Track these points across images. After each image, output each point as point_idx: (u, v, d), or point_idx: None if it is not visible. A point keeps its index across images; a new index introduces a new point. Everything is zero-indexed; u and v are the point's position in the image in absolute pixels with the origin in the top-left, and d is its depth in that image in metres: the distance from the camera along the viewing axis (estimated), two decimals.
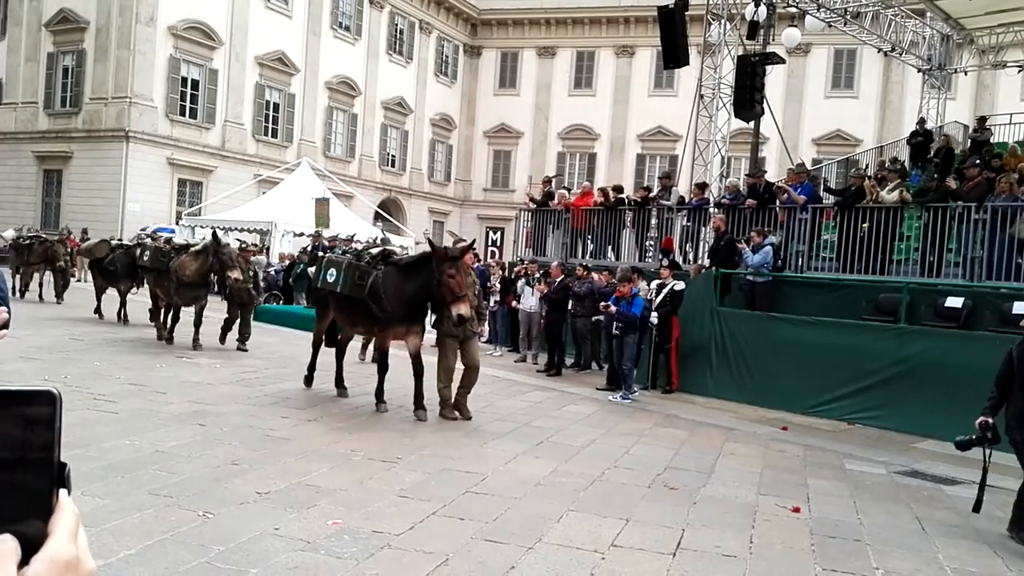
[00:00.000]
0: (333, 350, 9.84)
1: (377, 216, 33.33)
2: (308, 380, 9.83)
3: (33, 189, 32.05)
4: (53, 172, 31.73)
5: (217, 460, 6.19)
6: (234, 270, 11.85)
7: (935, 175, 13.98)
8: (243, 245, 13.52)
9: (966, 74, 22.80)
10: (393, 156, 42.37)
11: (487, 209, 45.30)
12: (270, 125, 35.02)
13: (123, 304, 15.18)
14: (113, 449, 6.23)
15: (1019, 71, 21.20)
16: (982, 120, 19.75)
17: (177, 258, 12.49)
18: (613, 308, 11.15)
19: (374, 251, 9.38)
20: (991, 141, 17.91)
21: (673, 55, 16.27)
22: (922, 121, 19.24)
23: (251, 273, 13.38)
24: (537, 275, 14.57)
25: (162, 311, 13.54)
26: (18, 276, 18.95)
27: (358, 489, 5.75)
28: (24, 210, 31.34)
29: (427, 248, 8.77)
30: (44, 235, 19.17)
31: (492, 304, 15.66)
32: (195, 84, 31.63)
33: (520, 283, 14.92)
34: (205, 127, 32.08)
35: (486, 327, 8.70)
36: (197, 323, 12.44)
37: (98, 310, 15.64)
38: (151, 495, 5.20)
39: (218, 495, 5.34)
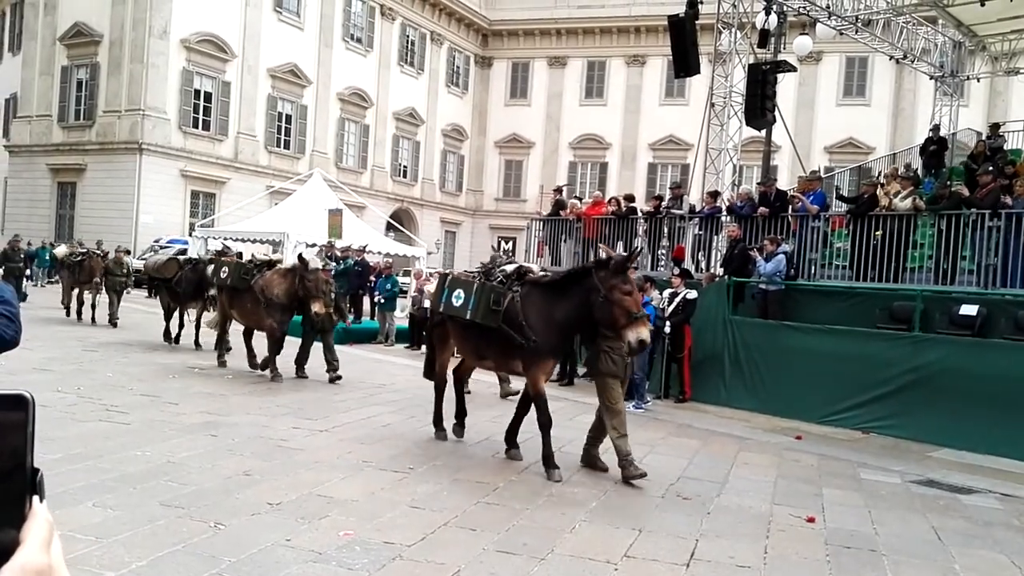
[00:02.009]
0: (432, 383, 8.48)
1: (389, 227, 33.42)
2: (440, 424, 8.24)
3: (47, 201, 32.37)
4: (67, 184, 32.05)
5: (229, 471, 6.19)
6: (317, 301, 10.58)
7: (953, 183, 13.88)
8: (325, 265, 12.24)
9: (979, 81, 22.69)
10: (405, 167, 42.56)
11: (499, 219, 45.40)
12: (282, 137, 35.26)
13: (197, 328, 13.82)
14: (125, 460, 6.24)
15: None
16: (995, 127, 19.64)
17: (261, 275, 11.26)
18: None
19: (508, 268, 7.80)
20: (1004, 148, 17.79)
21: (684, 64, 16.24)
22: (936, 128, 19.13)
23: (332, 295, 11.88)
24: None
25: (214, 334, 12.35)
26: (74, 295, 17.71)
27: (369, 500, 5.74)
28: (38, 222, 31.67)
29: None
30: (95, 251, 17.74)
31: None
32: (208, 96, 31.92)
33: None
34: (218, 139, 32.33)
35: None
36: (276, 350, 11.11)
37: (168, 334, 14.25)
38: (162, 506, 5.20)
39: (229, 506, 5.33)
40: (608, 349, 7.00)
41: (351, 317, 16.88)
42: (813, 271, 13.26)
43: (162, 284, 14.59)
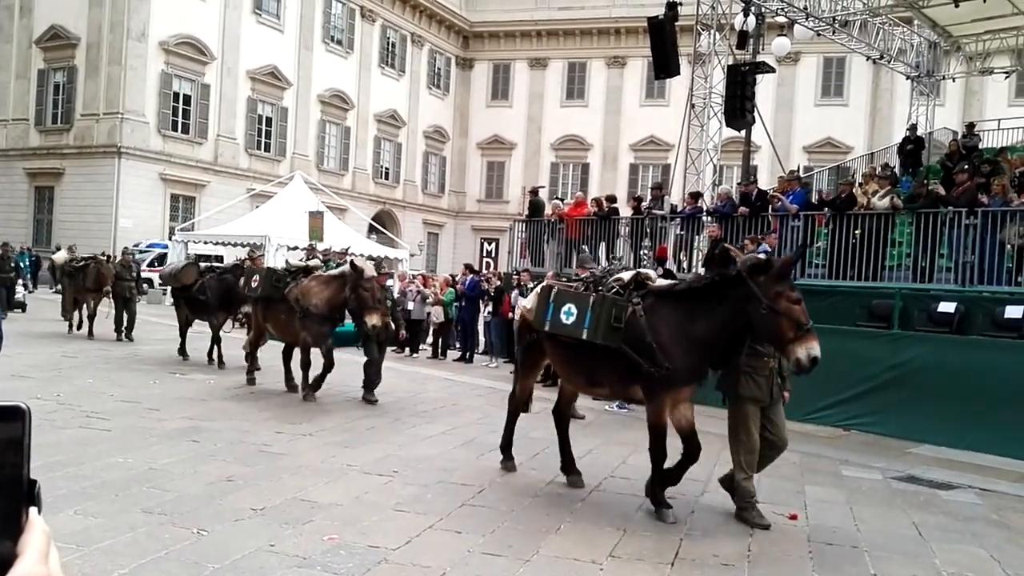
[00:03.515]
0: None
1: (371, 229, 33.36)
2: (507, 453, 7.23)
3: (25, 206, 32.03)
4: (45, 189, 31.73)
5: (211, 476, 6.16)
6: (373, 314, 9.29)
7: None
8: (382, 269, 10.94)
9: (954, 81, 22.96)
10: (387, 169, 42.45)
11: (481, 220, 45.40)
12: (263, 139, 35.08)
13: (217, 342, 12.45)
14: (106, 467, 6.20)
15: (1006, 77, 21.37)
16: (971, 126, 19.88)
17: (296, 284, 10.07)
18: None
19: (624, 275, 6.43)
20: (979, 147, 18.02)
21: (664, 65, 16.32)
22: (913, 128, 19.34)
23: (388, 303, 10.35)
24: (530, 285, 14.55)
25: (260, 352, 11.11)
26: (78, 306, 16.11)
27: (354, 503, 5.73)
28: (16, 227, 31.30)
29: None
30: (100, 256, 16.39)
31: (486, 315, 15.78)
32: (187, 99, 31.69)
33: (514, 294, 14.93)
34: (197, 142, 32.11)
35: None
36: (328, 367, 9.79)
37: (183, 350, 13.09)
38: (144, 513, 5.17)
39: (212, 512, 5.31)
40: (750, 369, 5.93)
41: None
42: (793, 270, 13.35)
43: (179, 294, 13.29)
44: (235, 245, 25.03)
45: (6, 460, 0.65)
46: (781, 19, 19.01)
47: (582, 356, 6.29)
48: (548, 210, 18.10)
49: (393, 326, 10.59)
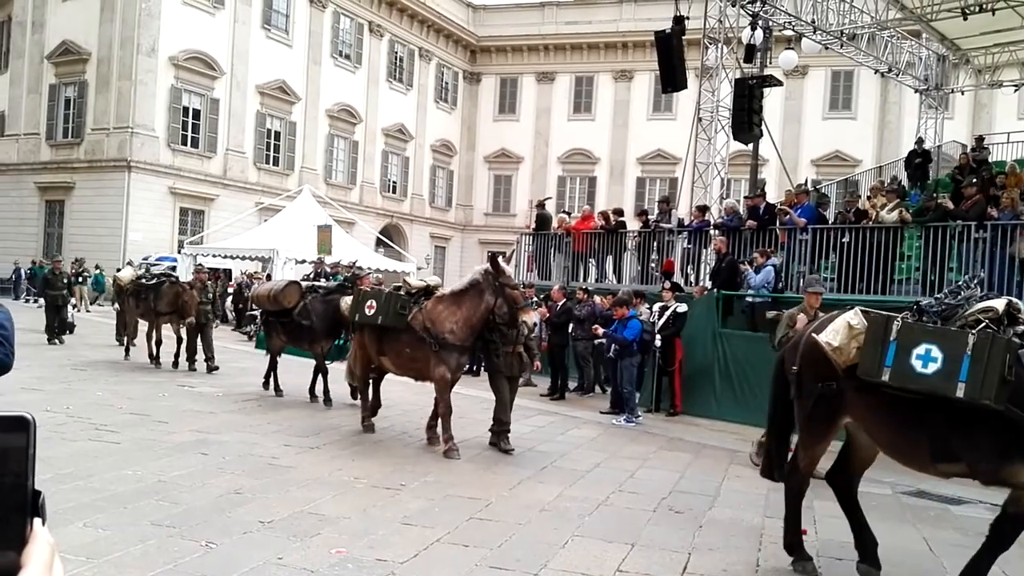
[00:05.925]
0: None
1: (379, 242, 33.44)
2: (800, 550, 5.19)
3: (35, 220, 32.23)
4: (55, 203, 31.94)
5: (220, 489, 6.16)
6: (529, 311, 8.08)
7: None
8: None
9: (963, 94, 22.97)
10: (394, 182, 42.60)
11: (488, 234, 45.44)
12: (271, 153, 35.26)
13: (323, 373, 10.77)
14: (115, 480, 6.21)
15: (1015, 90, 21.34)
16: (980, 139, 19.88)
17: (419, 308, 8.39)
18: (600, 330, 11.19)
19: (997, 304, 4.44)
20: (988, 160, 18.00)
21: (671, 79, 16.38)
22: (920, 141, 19.33)
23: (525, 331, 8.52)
24: (535, 299, 14.56)
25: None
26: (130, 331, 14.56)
27: (361, 517, 5.72)
28: (26, 241, 31.52)
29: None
30: (175, 275, 14.49)
31: None
32: (196, 113, 31.89)
33: None
34: (207, 156, 32.29)
35: None
36: (447, 413, 8.30)
37: (269, 382, 11.34)
38: (153, 526, 5.17)
39: (221, 525, 5.31)
40: None
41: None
42: (801, 284, 13.33)
43: (275, 317, 11.31)
44: (244, 259, 25.16)
45: (10, 470, 0.65)
46: (788, 33, 19.08)
47: (929, 420, 4.42)
48: (555, 223, 18.16)
49: (526, 358, 8.88)
